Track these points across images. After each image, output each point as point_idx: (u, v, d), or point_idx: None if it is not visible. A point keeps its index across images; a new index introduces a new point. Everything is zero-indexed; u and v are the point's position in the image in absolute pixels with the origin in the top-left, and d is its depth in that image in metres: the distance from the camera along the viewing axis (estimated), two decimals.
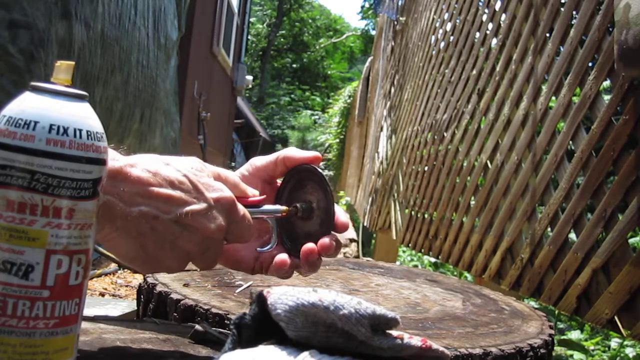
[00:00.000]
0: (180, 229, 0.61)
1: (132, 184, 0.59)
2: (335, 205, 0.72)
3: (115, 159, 0.58)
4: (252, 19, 19.65)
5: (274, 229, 0.70)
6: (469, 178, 2.73)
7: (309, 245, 0.69)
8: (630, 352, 2.84)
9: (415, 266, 4.45)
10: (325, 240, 0.69)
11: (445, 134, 3.19)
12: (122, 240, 0.60)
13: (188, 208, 0.61)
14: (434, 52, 3.75)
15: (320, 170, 0.73)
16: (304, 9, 26.19)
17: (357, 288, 1.11)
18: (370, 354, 0.48)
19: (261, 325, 0.53)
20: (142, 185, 0.59)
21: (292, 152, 0.74)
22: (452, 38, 3.39)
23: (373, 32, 20.95)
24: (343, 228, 0.72)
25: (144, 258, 0.62)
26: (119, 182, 0.58)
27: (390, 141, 4.80)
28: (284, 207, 0.70)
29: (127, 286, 2.95)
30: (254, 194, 0.71)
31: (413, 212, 3.54)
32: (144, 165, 0.61)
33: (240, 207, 0.66)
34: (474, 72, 2.89)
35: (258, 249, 0.73)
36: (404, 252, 5.41)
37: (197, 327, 0.70)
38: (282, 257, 0.70)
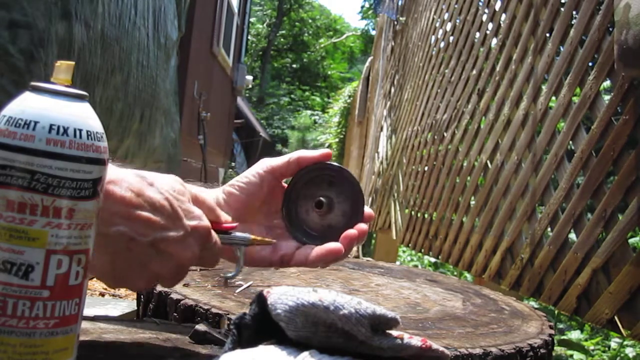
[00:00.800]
0: (154, 253, 0.61)
1: (114, 203, 0.58)
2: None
3: None
4: (252, 19, 19.65)
5: (241, 257, 0.71)
6: (469, 178, 2.73)
7: (351, 232, 0.72)
8: (630, 352, 2.84)
9: (415, 266, 4.45)
10: (361, 226, 0.72)
11: (445, 134, 3.19)
12: (97, 256, 0.60)
13: (165, 234, 0.61)
14: (434, 52, 3.75)
15: (336, 164, 0.75)
16: (304, 9, 26.19)
17: (357, 288, 1.11)
18: (370, 354, 0.48)
19: (261, 325, 0.53)
20: (124, 205, 0.59)
21: (305, 152, 0.76)
22: (452, 38, 3.39)
23: (373, 32, 20.95)
24: (370, 218, 0.75)
25: (113, 275, 0.62)
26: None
27: (390, 141, 4.80)
28: (253, 236, 0.71)
29: None
30: (226, 220, 0.71)
31: (413, 212, 3.54)
32: (127, 183, 0.60)
33: (213, 234, 0.66)
34: (474, 72, 2.89)
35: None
36: (404, 252, 5.41)
37: (197, 327, 0.70)
38: (332, 246, 0.72)
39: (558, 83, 2.02)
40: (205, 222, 0.65)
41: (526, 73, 2.28)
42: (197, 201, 0.67)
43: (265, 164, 0.76)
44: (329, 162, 0.76)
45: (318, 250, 0.72)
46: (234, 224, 0.71)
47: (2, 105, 0.48)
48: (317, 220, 0.76)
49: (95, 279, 2.95)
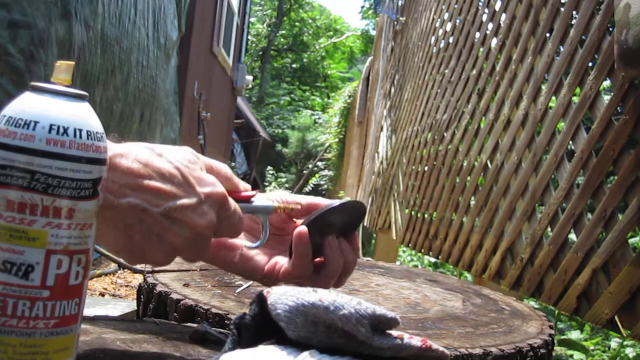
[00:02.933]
0: (169, 223, 0.60)
1: (122, 174, 0.58)
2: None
3: None
4: (252, 19, 19.65)
5: (265, 225, 0.69)
6: (469, 178, 2.73)
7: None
8: (630, 352, 2.84)
9: (415, 266, 4.45)
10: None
11: (445, 134, 3.19)
12: (110, 230, 0.59)
13: (178, 202, 0.59)
14: (434, 52, 3.75)
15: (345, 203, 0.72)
16: (304, 9, 26.17)
17: (357, 288, 1.11)
18: (370, 354, 0.48)
19: (261, 326, 0.53)
20: (132, 176, 0.58)
21: (318, 201, 0.75)
22: (452, 38, 3.39)
23: (373, 32, 20.95)
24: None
25: (131, 249, 0.61)
26: (109, 173, 0.56)
27: (390, 141, 4.80)
28: (276, 204, 0.69)
29: (127, 286, 2.95)
30: (245, 188, 0.70)
31: (413, 212, 3.54)
32: (135, 155, 0.59)
33: (231, 202, 0.65)
34: (474, 72, 2.89)
35: (245, 245, 0.72)
36: (404, 252, 5.41)
37: (197, 327, 0.70)
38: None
39: (558, 83, 2.02)
40: (220, 188, 0.63)
41: (526, 73, 2.28)
42: (212, 170, 0.66)
43: (279, 196, 0.75)
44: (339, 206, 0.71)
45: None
46: (253, 192, 0.69)
47: (2, 105, 0.48)
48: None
49: (95, 279, 2.96)
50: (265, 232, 0.69)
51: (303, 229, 0.69)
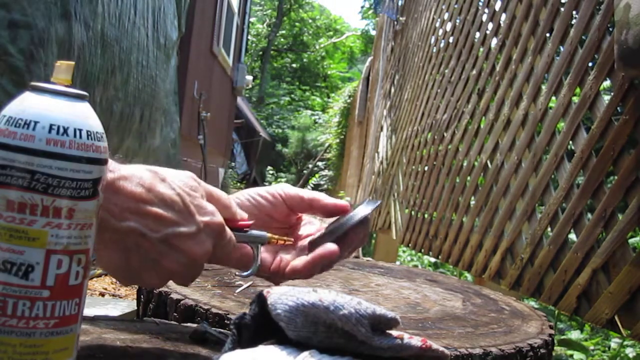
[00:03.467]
0: (167, 249, 0.60)
1: (125, 198, 0.58)
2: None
3: (110, 170, 0.58)
4: (252, 19, 19.65)
5: (257, 255, 0.70)
6: (469, 178, 2.73)
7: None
8: (630, 352, 2.84)
9: (415, 266, 4.45)
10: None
11: (445, 134, 3.19)
12: (107, 251, 0.60)
13: (177, 230, 0.60)
14: (434, 52, 3.75)
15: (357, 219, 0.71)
16: (304, 9, 26.17)
17: (357, 288, 1.11)
18: (370, 354, 0.48)
19: (261, 326, 0.53)
20: (134, 200, 0.59)
21: (321, 198, 0.75)
22: (452, 38, 3.39)
23: (373, 32, 20.95)
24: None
25: (127, 271, 0.62)
26: (111, 195, 0.57)
27: (390, 141, 4.80)
28: (269, 235, 0.71)
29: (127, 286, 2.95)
30: (242, 217, 0.70)
31: (413, 212, 3.53)
32: (138, 179, 0.60)
33: (227, 231, 0.66)
34: (474, 72, 2.89)
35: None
36: (404, 252, 5.41)
37: (197, 327, 0.70)
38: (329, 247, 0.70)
39: (558, 83, 2.02)
40: (218, 218, 0.64)
41: (526, 73, 2.28)
42: (212, 198, 0.67)
43: (281, 188, 0.75)
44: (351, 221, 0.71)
45: (312, 254, 0.71)
46: (250, 222, 0.70)
47: (2, 105, 0.48)
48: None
49: (95, 279, 2.96)
50: (256, 262, 0.70)
51: (334, 248, 0.70)
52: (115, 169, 0.59)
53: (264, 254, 0.73)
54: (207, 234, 0.63)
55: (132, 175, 0.60)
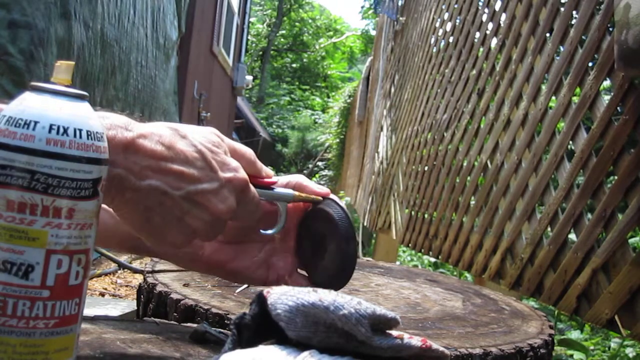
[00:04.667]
0: (189, 206, 0.60)
1: (144, 156, 0.57)
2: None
3: (128, 129, 0.57)
4: (252, 19, 19.64)
5: (282, 213, 0.69)
6: (469, 178, 2.73)
7: None
8: (630, 352, 2.84)
9: (415, 266, 4.45)
10: None
11: (445, 134, 3.19)
12: (129, 212, 0.59)
13: (199, 186, 0.60)
14: (434, 52, 3.75)
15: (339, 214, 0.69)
16: (304, 9, 26.15)
17: (357, 288, 1.11)
18: (370, 354, 0.48)
19: (261, 326, 0.53)
20: (154, 159, 0.58)
21: (304, 182, 0.72)
22: (452, 38, 3.39)
23: (373, 32, 20.94)
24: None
25: (150, 231, 0.61)
26: (131, 155, 0.56)
27: (390, 141, 4.80)
28: (296, 193, 0.69)
29: (127, 286, 2.95)
30: (267, 174, 0.69)
31: (413, 212, 3.54)
32: (158, 137, 0.59)
33: (251, 188, 0.65)
34: (474, 72, 2.89)
35: (261, 231, 0.71)
36: (404, 252, 5.41)
37: (197, 327, 0.70)
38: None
39: (558, 83, 2.02)
40: (242, 174, 0.63)
41: (526, 73, 2.28)
42: (235, 154, 0.66)
43: (298, 179, 0.73)
44: (332, 212, 0.70)
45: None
46: (275, 179, 0.69)
47: None
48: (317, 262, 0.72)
49: (95, 279, 2.96)
50: (282, 219, 0.69)
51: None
52: (134, 128, 0.58)
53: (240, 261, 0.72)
54: (230, 190, 0.62)
55: (152, 133, 0.59)
